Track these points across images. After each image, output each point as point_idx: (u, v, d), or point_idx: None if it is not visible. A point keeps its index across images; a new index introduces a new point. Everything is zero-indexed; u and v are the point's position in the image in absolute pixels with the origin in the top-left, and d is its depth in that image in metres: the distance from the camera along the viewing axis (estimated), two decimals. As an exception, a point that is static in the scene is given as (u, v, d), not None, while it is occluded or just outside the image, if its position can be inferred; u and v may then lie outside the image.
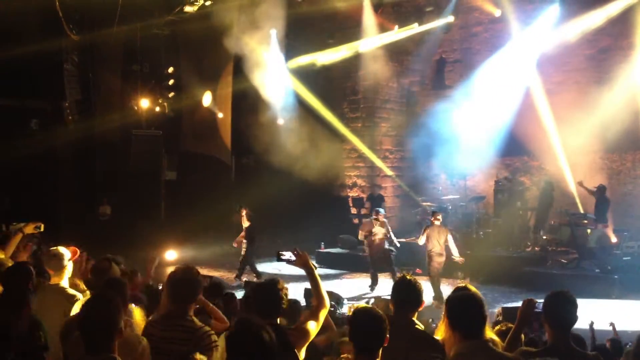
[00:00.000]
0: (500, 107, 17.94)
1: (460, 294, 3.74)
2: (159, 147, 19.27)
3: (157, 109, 18.93)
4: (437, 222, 12.54)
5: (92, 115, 18.52)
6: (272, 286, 3.92)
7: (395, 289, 4.28)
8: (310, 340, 3.98)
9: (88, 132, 18.13)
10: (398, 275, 4.36)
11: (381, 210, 13.96)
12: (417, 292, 4.16)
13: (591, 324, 6.58)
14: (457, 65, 19.80)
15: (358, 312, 3.61)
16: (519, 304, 4.26)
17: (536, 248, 15.39)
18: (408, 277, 4.28)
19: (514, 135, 17.47)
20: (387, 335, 3.39)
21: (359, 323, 3.46)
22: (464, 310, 3.47)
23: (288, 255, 4.32)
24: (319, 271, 4.35)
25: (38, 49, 15.43)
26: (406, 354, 3.38)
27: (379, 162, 19.75)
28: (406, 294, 4.17)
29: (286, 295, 3.95)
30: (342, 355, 4.12)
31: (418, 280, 4.26)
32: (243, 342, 2.85)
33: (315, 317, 4.00)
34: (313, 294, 4.24)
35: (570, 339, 3.84)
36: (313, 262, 4.33)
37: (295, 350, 3.76)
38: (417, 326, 4.12)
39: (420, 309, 4.22)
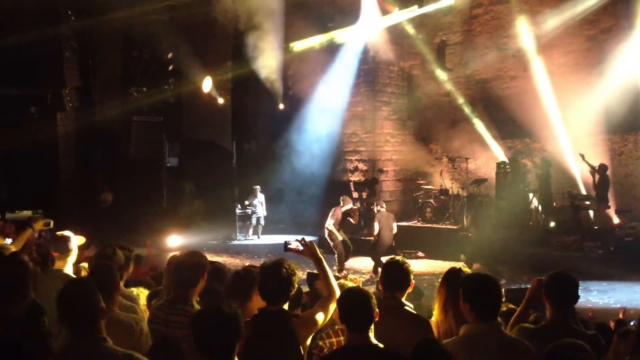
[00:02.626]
0: (501, 89, 17.90)
1: (479, 275, 3.75)
2: (159, 134, 19.24)
3: (157, 95, 18.87)
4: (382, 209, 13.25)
5: (92, 102, 18.48)
6: (279, 268, 3.73)
7: (384, 270, 4.26)
8: (316, 330, 3.91)
9: (88, 119, 18.11)
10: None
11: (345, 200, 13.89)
12: (406, 274, 4.13)
13: (623, 310, 6.58)
14: (458, 48, 19.69)
15: (344, 293, 3.61)
16: (522, 285, 4.25)
17: (539, 230, 15.38)
18: (397, 258, 4.27)
19: (515, 117, 17.42)
20: (377, 310, 3.39)
21: (346, 303, 3.46)
22: (483, 291, 3.46)
23: (295, 245, 4.26)
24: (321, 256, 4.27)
25: (36, 36, 15.37)
26: (394, 335, 3.36)
27: (380, 146, 19.70)
28: (395, 275, 4.15)
29: (295, 281, 3.77)
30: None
31: (407, 262, 4.23)
32: (201, 321, 2.86)
33: (324, 307, 3.87)
34: (322, 284, 4.14)
35: (571, 318, 3.85)
36: (320, 251, 4.26)
37: (300, 340, 3.68)
38: (406, 307, 4.10)
39: (409, 290, 4.19)
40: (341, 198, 14.03)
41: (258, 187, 19.02)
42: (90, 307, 2.96)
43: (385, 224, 13.28)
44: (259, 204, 18.96)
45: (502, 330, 3.41)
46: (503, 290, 6.70)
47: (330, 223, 13.47)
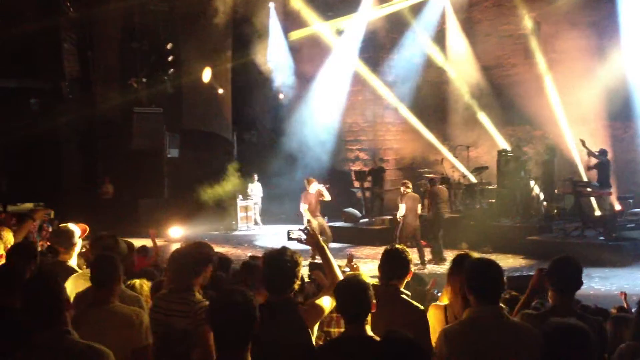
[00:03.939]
0: (502, 77, 17.86)
1: (480, 258, 3.74)
2: (160, 125, 19.21)
3: (157, 86, 18.84)
4: (408, 191, 13.10)
5: (91, 94, 18.46)
6: (283, 258, 3.64)
7: (383, 258, 4.22)
8: (323, 317, 3.88)
9: (88, 110, 18.09)
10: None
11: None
12: (404, 262, 4.11)
13: (624, 294, 6.58)
14: (458, 35, 19.60)
15: (341, 283, 3.59)
16: (524, 273, 4.25)
17: (540, 217, 15.37)
18: (396, 246, 4.24)
19: (516, 104, 17.38)
20: (374, 301, 3.37)
21: (342, 294, 3.44)
22: (482, 274, 3.43)
23: (298, 234, 4.23)
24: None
25: (36, 28, 15.34)
26: (389, 323, 3.35)
27: (380, 135, 19.69)
28: (393, 263, 4.13)
29: (299, 270, 3.68)
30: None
31: (407, 250, 4.21)
32: (214, 308, 2.84)
33: (330, 294, 3.79)
34: (326, 273, 4.09)
35: (574, 304, 3.84)
36: (323, 240, 4.22)
37: (308, 327, 3.64)
38: (402, 295, 4.08)
39: (408, 279, 4.17)
40: (305, 180, 13.93)
41: (255, 175, 19.18)
42: (52, 299, 2.94)
43: (412, 206, 13.10)
44: (257, 191, 19.13)
45: (504, 314, 3.40)
46: (505, 277, 6.74)
47: (303, 208, 13.44)
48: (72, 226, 5.20)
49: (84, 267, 5.62)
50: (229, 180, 18.57)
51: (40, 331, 2.91)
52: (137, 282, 4.96)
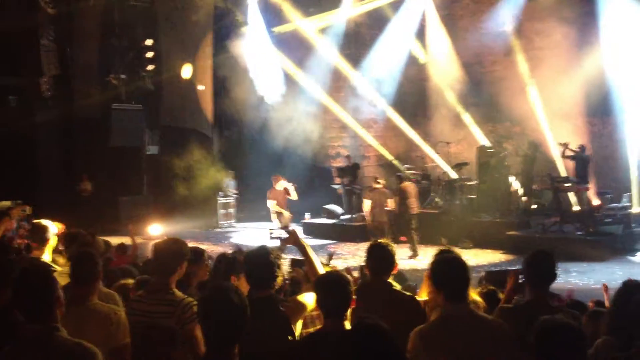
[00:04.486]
0: (482, 73, 17.97)
1: (444, 256, 3.75)
2: (139, 122, 19.10)
3: (137, 82, 18.71)
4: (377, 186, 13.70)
5: (70, 91, 18.29)
6: (265, 254, 3.75)
7: (369, 253, 4.28)
8: (306, 313, 3.91)
9: (67, 107, 17.94)
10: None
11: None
12: (390, 256, 4.17)
13: (605, 287, 6.65)
14: (438, 32, 19.66)
15: (321, 277, 3.63)
16: (503, 268, 4.29)
17: (519, 212, 15.50)
18: (380, 241, 4.30)
19: (496, 101, 17.48)
20: (354, 297, 3.40)
21: (322, 289, 3.46)
22: (448, 272, 3.47)
23: (278, 232, 4.29)
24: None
25: (14, 25, 15.16)
26: (382, 314, 3.38)
27: (362, 132, 19.71)
28: (380, 257, 4.18)
29: (280, 267, 3.78)
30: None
31: (391, 244, 4.27)
32: (210, 307, 2.81)
33: (312, 290, 3.81)
34: (308, 270, 4.13)
35: (549, 297, 3.88)
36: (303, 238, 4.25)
37: (291, 323, 3.68)
38: (393, 287, 4.15)
39: (394, 272, 4.24)
40: (272, 178, 14.19)
41: (231, 172, 19.49)
42: (46, 295, 2.91)
43: (379, 201, 13.42)
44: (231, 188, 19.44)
45: (473, 310, 3.44)
46: (484, 272, 6.79)
47: (270, 204, 13.80)
48: (45, 222, 5.17)
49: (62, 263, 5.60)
50: (209, 177, 18.51)
51: (29, 325, 2.89)
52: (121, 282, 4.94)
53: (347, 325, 3.40)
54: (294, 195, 13.94)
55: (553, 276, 3.88)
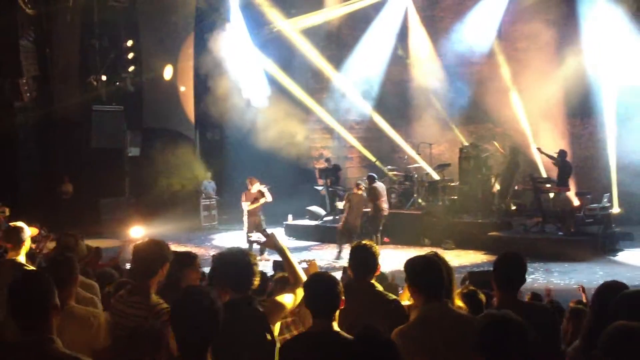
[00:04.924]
0: (464, 75, 18.06)
1: (420, 256, 3.78)
2: (120, 123, 18.97)
3: (117, 83, 18.58)
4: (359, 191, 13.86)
5: (50, 92, 18.12)
6: (240, 256, 3.75)
7: (352, 254, 4.29)
8: (285, 314, 3.91)
9: (47, 109, 17.76)
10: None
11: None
12: (373, 257, 4.18)
13: (582, 288, 6.68)
14: (421, 33, 19.74)
15: (311, 278, 3.63)
16: (485, 268, 4.28)
17: (500, 213, 15.57)
18: (364, 242, 4.31)
19: (477, 102, 17.58)
20: (343, 298, 3.40)
21: (312, 289, 3.47)
22: (423, 272, 3.50)
23: (257, 236, 4.28)
24: (287, 244, 4.27)
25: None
26: (367, 317, 3.38)
27: (344, 133, 19.73)
28: (364, 258, 4.19)
29: (257, 267, 3.76)
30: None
31: (374, 245, 4.28)
32: (181, 311, 2.77)
33: (292, 291, 3.86)
34: (287, 272, 4.14)
35: (518, 298, 3.91)
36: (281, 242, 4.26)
37: (270, 323, 3.65)
38: (376, 289, 4.15)
39: (377, 273, 4.24)
40: (247, 180, 14.27)
41: (209, 173, 19.64)
42: (42, 303, 2.82)
43: (356, 205, 13.46)
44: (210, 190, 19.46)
45: (450, 308, 3.47)
46: (467, 273, 6.81)
47: (244, 206, 13.81)
48: (20, 224, 5.16)
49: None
50: (191, 179, 18.43)
51: (23, 336, 2.79)
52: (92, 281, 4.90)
53: (335, 325, 3.39)
54: (268, 197, 13.92)
55: (522, 279, 3.89)
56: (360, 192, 14.08)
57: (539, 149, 15.28)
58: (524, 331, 2.69)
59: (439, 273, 3.49)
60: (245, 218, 13.86)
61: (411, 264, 3.63)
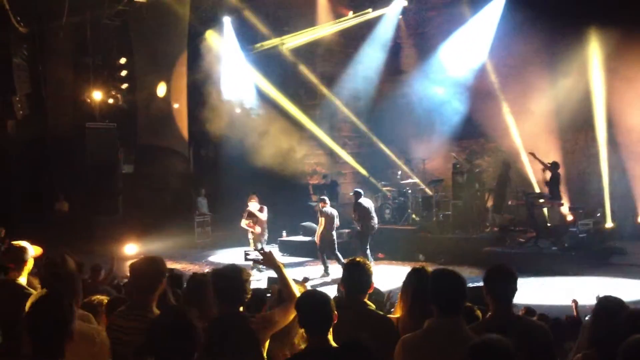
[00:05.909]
0: (456, 91, 18.16)
1: (443, 269, 3.77)
2: (114, 140, 18.95)
3: (111, 101, 18.60)
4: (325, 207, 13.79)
5: (43, 110, 18.11)
6: (233, 273, 3.80)
7: (345, 271, 4.27)
8: (275, 330, 3.92)
9: (40, 127, 17.74)
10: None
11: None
12: (367, 275, 4.14)
13: (575, 303, 6.70)
14: (412, 50, 19.87)
15: (302, 296, 3.63)
16: (479, 284, 4.28)
17: (495, 228, 15.60)
18: (358, 259, 4.28)
19: (470, 118, 17.66)
20: (335, 312, 3.41)
21: (304, 307, 3.48)
22: (442, 286, 3.49)
23: (254, 254, 4.29)
24: (281, 260, 4.29)
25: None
26: (354, 333, 3.39)
27: (337, 149, 19.78)
28: (357, 276, 4.15)
29: (249, 285, 3.84)
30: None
31: (368, 263, 4.25)
32: (158, 335, 2.80)
33: (284, 309, 3.90)
34: (282, 290, 4.16)
35: (512, 311, 3.90)
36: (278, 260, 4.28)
37: (260, 339, 3.69)
38: (369, 307, 4.13)
39: (370, 291, 4.21)
40: (248, 197, 14.16)
41: (203, 190, 19.57)
42: (61, 330, 2.83)
43: (327, 220, 13.58)
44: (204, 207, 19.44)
45: (462, 326, 3.45)
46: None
47: (243, 223, 13.86)
48: (24, 243, 5.06)
49: (38, 287, 5.50)
50: (185, 196, 18.40)
51: (35, 356, 2.79)
52: (96, 299, 4.88)
53: (331, 340, 3.41)
54: (263, 217, 13.84)
55: (513, 291, 3.86)
56: (326, 206, 13.91)
57: (532, 154, 15.22)
58: (510, 356, 2.72)
59: (458, 289, 3.49)
60: (249, 235, 13.85)
61: (434, 276, 3.64)
